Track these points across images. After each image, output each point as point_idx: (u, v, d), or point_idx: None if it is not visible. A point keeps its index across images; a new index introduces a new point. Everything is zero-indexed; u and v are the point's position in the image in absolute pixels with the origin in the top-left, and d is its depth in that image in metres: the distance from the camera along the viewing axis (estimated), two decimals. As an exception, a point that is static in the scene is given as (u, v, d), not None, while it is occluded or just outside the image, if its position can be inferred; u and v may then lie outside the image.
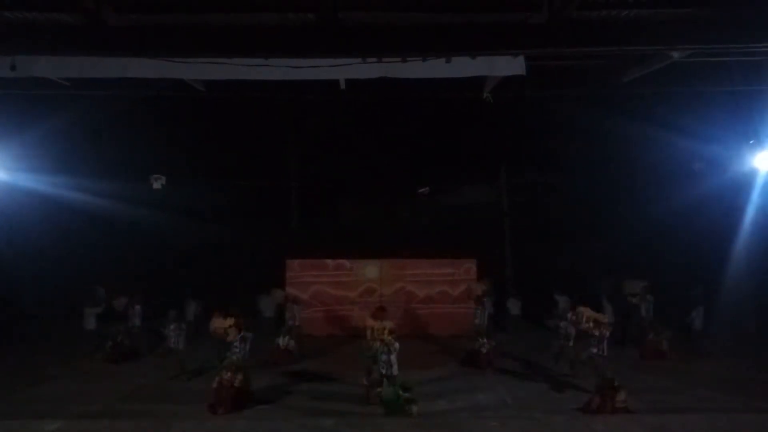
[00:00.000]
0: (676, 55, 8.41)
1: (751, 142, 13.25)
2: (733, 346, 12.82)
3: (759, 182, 13.64)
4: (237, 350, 9.79)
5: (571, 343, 11.31)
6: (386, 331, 9.59)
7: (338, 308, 15.39)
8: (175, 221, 17.20)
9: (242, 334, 9.90)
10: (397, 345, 9.47)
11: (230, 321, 9.91)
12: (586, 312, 9.97)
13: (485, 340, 12.23)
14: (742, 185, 14.05)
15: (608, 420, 8.57)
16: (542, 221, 18.23)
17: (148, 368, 11.86)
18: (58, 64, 8.20)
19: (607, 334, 9.63)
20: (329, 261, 15.75)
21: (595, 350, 9.81)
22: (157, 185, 16.52)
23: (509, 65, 8.25)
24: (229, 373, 9.52)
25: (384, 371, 9.32)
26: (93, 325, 14.87)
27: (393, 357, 9.36)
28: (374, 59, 7.97)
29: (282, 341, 12.54)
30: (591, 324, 9.72)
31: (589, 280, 15.63)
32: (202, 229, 17.64)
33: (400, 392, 8.96)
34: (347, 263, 15.75)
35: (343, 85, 9.90)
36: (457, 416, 9.13)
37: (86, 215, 16.49)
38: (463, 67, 8.24)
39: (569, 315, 10.70)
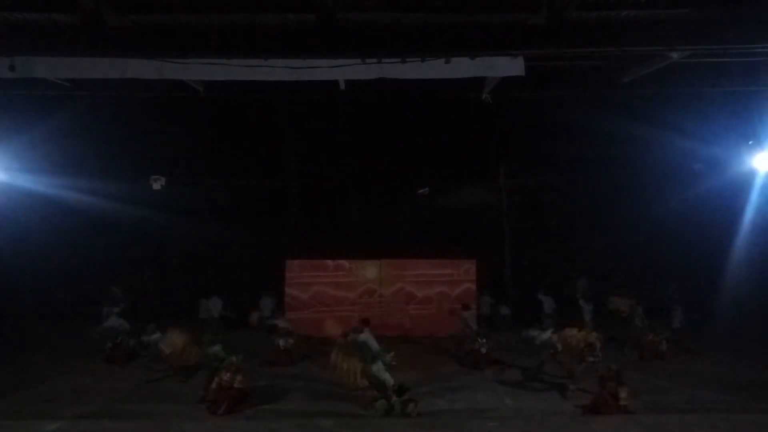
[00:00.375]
0: (675, 55, 8.40)
1: (750, 142, 13.26)
2: (733, 346, 12.81)
3: (758, 183, 13.64)
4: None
5: (560, 348, 11.26)
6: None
7: (338, 309, 15.38)
8: (175, 222, 17.20)
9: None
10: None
11: (184, 340, 10.04)
12: (574, 335, 10.15)
13: (484, 340, 12.25)
14: (741, 186, 14.05)
15: (607, 420, 8.56)
16: (542, 222, 18.23)
17: (148, 369, 11.86)
18: (57, 65, 8.17)
19: (599, 345, 9.81)
20: (329, 261, 15.75)
21: (591, 359, 9.91)
22: (156, 186, 16.52)
23: (508, 66, 8.22)
24: (228, 374, 9.52)
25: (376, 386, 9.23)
26: (117, 323, 14.42)
27: (380, 372, 9.26)
28: (373, 60, 7.95)
29: (281, 342, 12.54)
30: (582, 345, 9.91)
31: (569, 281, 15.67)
32: (201, 230, 17.64)
33: (394, 399, 8.92)
34: (347, 264, 15.76)
35: (342, 86, 9.89)
36: (457, 416, 9.13)
37: (86, 215, 16.50)
38: (462, 67, 8.22)
39: (556, 339, 10.75)
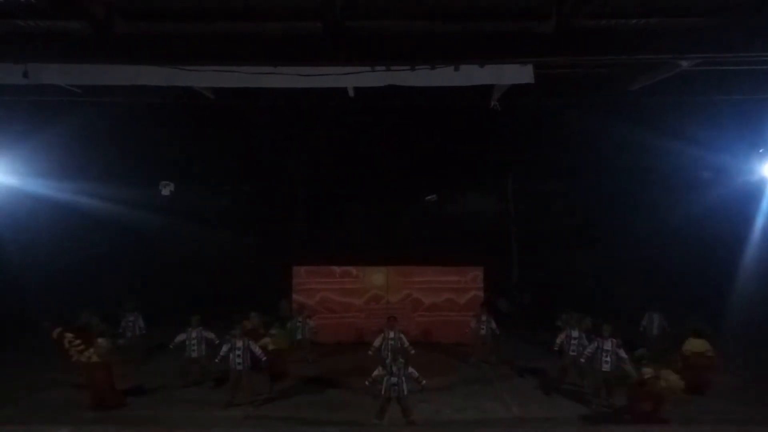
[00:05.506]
0: (684, 63, 8.36)
1: (761, 150, 13.20)
2: (745, 356, 12.68)
3: (768, 191, 13.58)
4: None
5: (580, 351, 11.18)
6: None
7: (345, 315, 15.37)
8: (184, 227, 17.29)
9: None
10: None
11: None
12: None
13: (493, 347, 12.22)
14: (751, 194, 13.97)
15: (615, 430, 8.50)
16: (549, 229, 18.18)
17: (155, 374, 11.88)
18: (69, 72, 8.24)
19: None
20: (336, 268, 15.74)
21: (607, 366, 9.85)
22: (166, 192, 16.61)
23: (517, 73, 8.22)
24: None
25: (395, 394, 9.05)
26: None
27: (408, 372, 9.18)
28: (382, 67, 7.97)
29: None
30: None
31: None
32: (209, 235, 17.72)
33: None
34: (354, 270, 15.74)
35: (351, 93, 9.92)
36: (464, 425, 9.09)
37: (95, 221, 16.60)
38: (471, 75, 8.21)
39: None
